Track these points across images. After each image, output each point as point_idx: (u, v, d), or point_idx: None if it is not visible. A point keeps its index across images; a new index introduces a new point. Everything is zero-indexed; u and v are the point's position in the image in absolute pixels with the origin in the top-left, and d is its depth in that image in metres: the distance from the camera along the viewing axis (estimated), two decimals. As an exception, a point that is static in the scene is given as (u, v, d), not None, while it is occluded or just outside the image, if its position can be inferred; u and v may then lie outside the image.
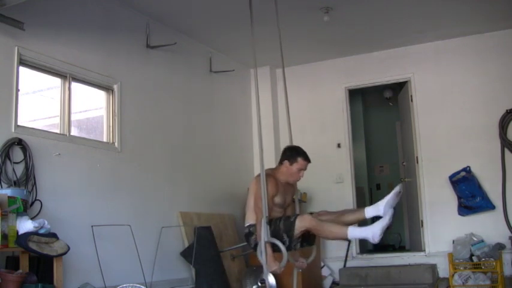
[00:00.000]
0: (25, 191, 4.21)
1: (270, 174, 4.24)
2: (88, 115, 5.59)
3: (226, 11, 5.97)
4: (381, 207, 4.01)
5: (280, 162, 4.36)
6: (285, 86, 4.88)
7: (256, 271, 6.23)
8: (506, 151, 6.64)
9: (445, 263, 6.48)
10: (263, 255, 3.85)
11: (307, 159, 4.33)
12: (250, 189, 4.32)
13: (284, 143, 5.79)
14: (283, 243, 3.93)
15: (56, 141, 4.82)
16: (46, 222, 4.13)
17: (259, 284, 6.25)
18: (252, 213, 4.23)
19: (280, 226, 4.07)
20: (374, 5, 6.01)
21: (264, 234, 3.78)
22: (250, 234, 4.28)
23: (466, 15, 6.41)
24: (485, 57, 6.91)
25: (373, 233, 3.89)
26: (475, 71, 6.95)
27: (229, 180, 7.16)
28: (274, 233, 3.99)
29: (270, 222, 4.01)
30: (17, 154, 4.42)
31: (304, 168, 4.35)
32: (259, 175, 4.13)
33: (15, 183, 4.30)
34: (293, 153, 4.33)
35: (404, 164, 8.23)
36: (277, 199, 4.25)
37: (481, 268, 6.15)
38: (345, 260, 7.23)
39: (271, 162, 5.31)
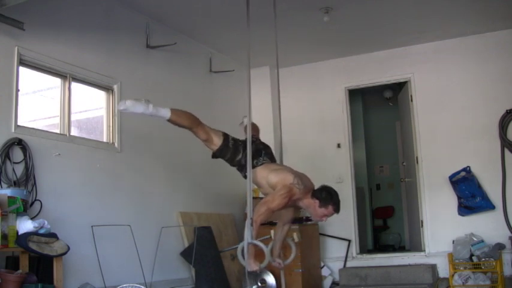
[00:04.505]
0: (25, 191, 4.21)
1: (295, 191, 4.03)
2: (88, 115, 5.58)
3: (226, 11, 5.96)
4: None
5: (312, 196, 4.14)
6: (278, 86, 4.88)
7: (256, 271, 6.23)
8: (506, 151, 6.64)
9: (445, 263, 6.48)
10: (245, 255, 3.83)
11: (336, 211, 4.16)
12: (278, 189, 4.05)
13: (285, 143, 5.81)
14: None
15: (56, 141, 4.82)
16: (46, 222, 4.12)
17: (259, 284, 6.25)
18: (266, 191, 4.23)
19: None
20: (374, 5, 6.01)
21: (247, 235, 3.76)
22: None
23: (466, 15, 6.41)
24: (485, 57, 6.91)
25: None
26: (475, 71, 6.94)
27: (229, 180, 7.12)
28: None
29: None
30: (17, 154, 4.42)
31: (330, 216, 4.19)
32: (291, 184, 4.00)
33: (15, 183, 4.30)
34: (327, 198, 4.11)
35: (404, 164, 8.23)
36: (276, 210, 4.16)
37: (481, 268, 6.15)
38: (345, 260, 7.23)
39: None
